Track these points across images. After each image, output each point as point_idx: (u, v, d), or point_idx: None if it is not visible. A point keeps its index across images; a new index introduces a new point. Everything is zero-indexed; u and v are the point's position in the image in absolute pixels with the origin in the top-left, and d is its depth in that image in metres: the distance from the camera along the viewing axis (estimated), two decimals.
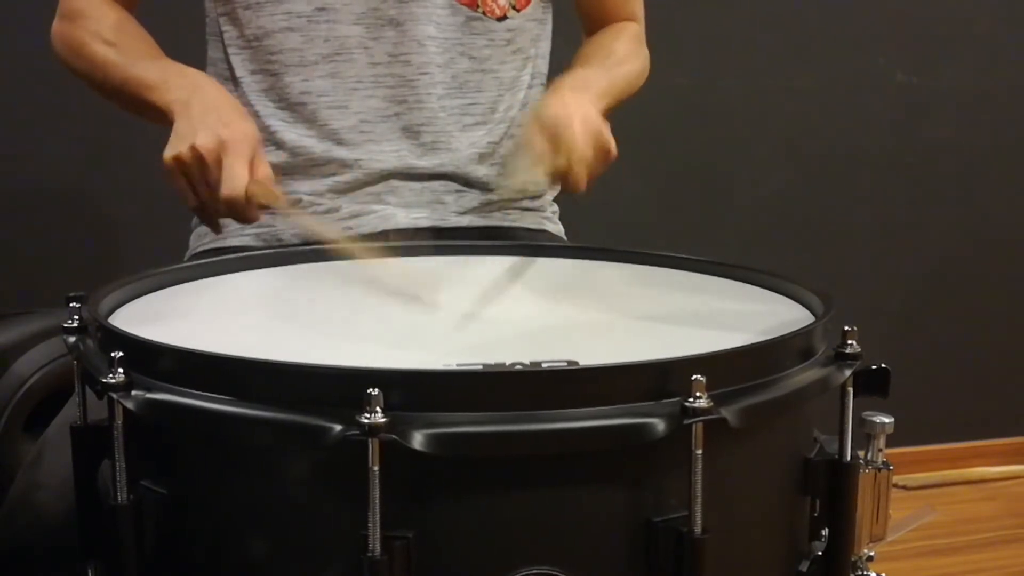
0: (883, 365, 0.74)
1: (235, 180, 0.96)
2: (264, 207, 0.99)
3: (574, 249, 1.06)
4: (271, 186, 0.99)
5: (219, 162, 0.97)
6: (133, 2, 1.20)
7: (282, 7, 1.12)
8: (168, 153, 0.99)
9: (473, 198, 1.18)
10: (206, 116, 1.00)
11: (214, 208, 0.99)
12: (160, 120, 1.06)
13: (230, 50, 1.16)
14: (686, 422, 0.59)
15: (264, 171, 0.99)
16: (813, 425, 0.75)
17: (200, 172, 0.98)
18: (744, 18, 2.16)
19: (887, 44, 2.26)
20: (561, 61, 1.28)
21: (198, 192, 0.99)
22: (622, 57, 1.23)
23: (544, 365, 0.64)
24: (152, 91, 1.06)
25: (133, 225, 1.87)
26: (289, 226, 1.15)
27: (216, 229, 1.07)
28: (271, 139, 1.15)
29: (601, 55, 1.22)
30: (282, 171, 1.16)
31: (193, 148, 0.97)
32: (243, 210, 0.97)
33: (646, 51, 1.28)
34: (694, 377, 0.59)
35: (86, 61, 1.14)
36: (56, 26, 1.18)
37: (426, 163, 1.16)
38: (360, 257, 0.97)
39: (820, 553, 0.73)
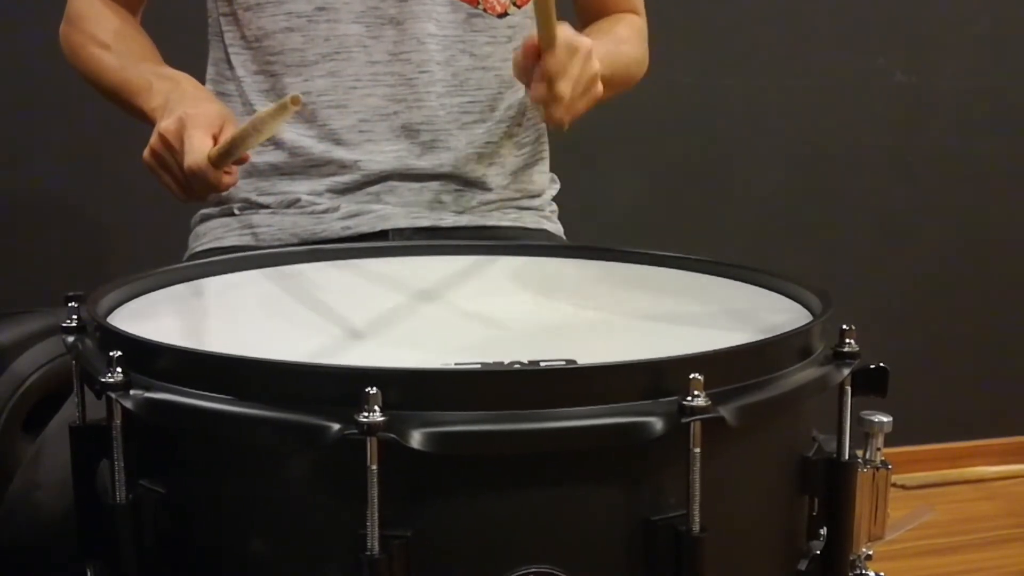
0: (881, 364, 0.74)
1: (194, 150, 0.97)
2: (232, 161, 0.98)
3: (574, 249, 1.06)
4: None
5: (181, 139, 0.99)
6: (136, 7, 1.21)
7: (283, 7, 1.12)
8: (147, 148, 1.03)
9: (472, 198, 1.18)
10: (175, 107, 1.03)
11: (193, 189, 1.02)
12: (143, 120, 1.09)
13: (231, 50, 1.17)
14: (684, 421, 0.59)
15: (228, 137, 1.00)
16: (811, 424, 0.75)
17: (170, 155, 1.01)
18: (744, 18, 2.16)
19: (887, 44, 2.26)
20: None
21: (176, 177, 1.02)
22: (624, 38, 1.22)
23: (542, 364, 0.64)
24: (139, 96, 1.10)
25: (132, 225, 1.87)
26: (289, 226, 1.15)
27: (204, 198, 1.08)
28: (270, 139, 1.15)
29: (602, 31, 1.22)
30: (281, 170, 1.16)
31: (158, 133, 1.01)
32: (211, 177, 0.98)
33: (647, 43, 1.27)
34: (692, 376, 0.59)
35: (84, 63, 1.18)
36: (61, 28, 1.21)
37: (425, 163, 1.16)
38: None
39: (818, 552, 0.73)
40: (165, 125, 1.01)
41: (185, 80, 1.11)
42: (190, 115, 1.00)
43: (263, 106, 1.15)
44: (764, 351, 0.68)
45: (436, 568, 0.60)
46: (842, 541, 0.73)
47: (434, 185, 1.17)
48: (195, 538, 0.66)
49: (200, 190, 1.02)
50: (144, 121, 1.09)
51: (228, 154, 0.97)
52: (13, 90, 1.79)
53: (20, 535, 0.91)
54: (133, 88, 1.11)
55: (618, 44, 1.20)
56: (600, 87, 1.02)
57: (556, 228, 1.27)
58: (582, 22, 1.28)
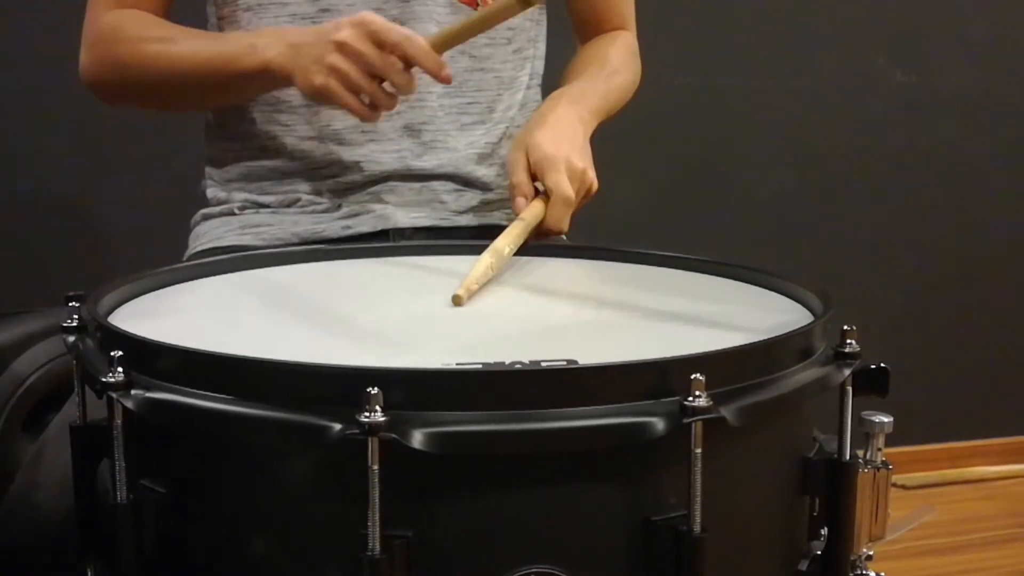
0: (882, 364, 0.74)
1: (398, 29, 0.98)
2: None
3: (574, 249, 1.06)
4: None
5: (370, 34, 0.97)
6: (162, 14, 1.17)
7: (286, 9, 1.12)
8: (316, 77, 0.99)
9: (472, 197, 1.19)
10: (319, 35, 1.00)
11: (390, 79, 1.00)
12: (253, 84, 1.08)
13: None
14: (685, 421, 0.59)
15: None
16: (812, 424, 0.75)
17: (358, 59, 0.98)
18: (744, 18, 2.17)
19: (887, 44, 2.26)
20: (559, 64, 1.28)
21: (367, 88, 0.99)
22: (616, 67, 1.25)
23: (543, 364, 0.64)
24: (242, 60, 1.05)
25: (132, 225, 1.87)
26: (289, 225, 1.15)
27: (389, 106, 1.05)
28: (271, 143, 1.15)
29: (597, 65, 1.23)
30: (282, 170, 1.16)
31: (338, 44, 0.97)
32: (431, 60, 0.99)
33: (638, 61, 1.29)
34: (693, 376, 0.59)
35: (143, 64, 1.10)
36: (87, 56, 1.14)
37: (425, 163, 1.16)
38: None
39: (819, 552, 0.73)
40: (343, 36, 0.97)
41: (286, 27, 1.09)
42: (358, 18, 0.98)
43: (264, 106, 1.15)
44: (765, 351, 0.68)
45: (437, 568, 0.60)
46: (843, 541, 0.73)
47: (435, 185, 1.17)
48: (196, 538, 0.66)
49: (404, 83, 1.00)
50: (240, 87, 1.08)
51: (453, 40, 1.01)
52: (14, 90, 1.79)
53: (21, 535, 0.91)
54: (229, 56, 1.06)
55: (613, 76, 1.23)
56: (595, 187, 1.08)
57: None
58: (580, 39, 1.31)
